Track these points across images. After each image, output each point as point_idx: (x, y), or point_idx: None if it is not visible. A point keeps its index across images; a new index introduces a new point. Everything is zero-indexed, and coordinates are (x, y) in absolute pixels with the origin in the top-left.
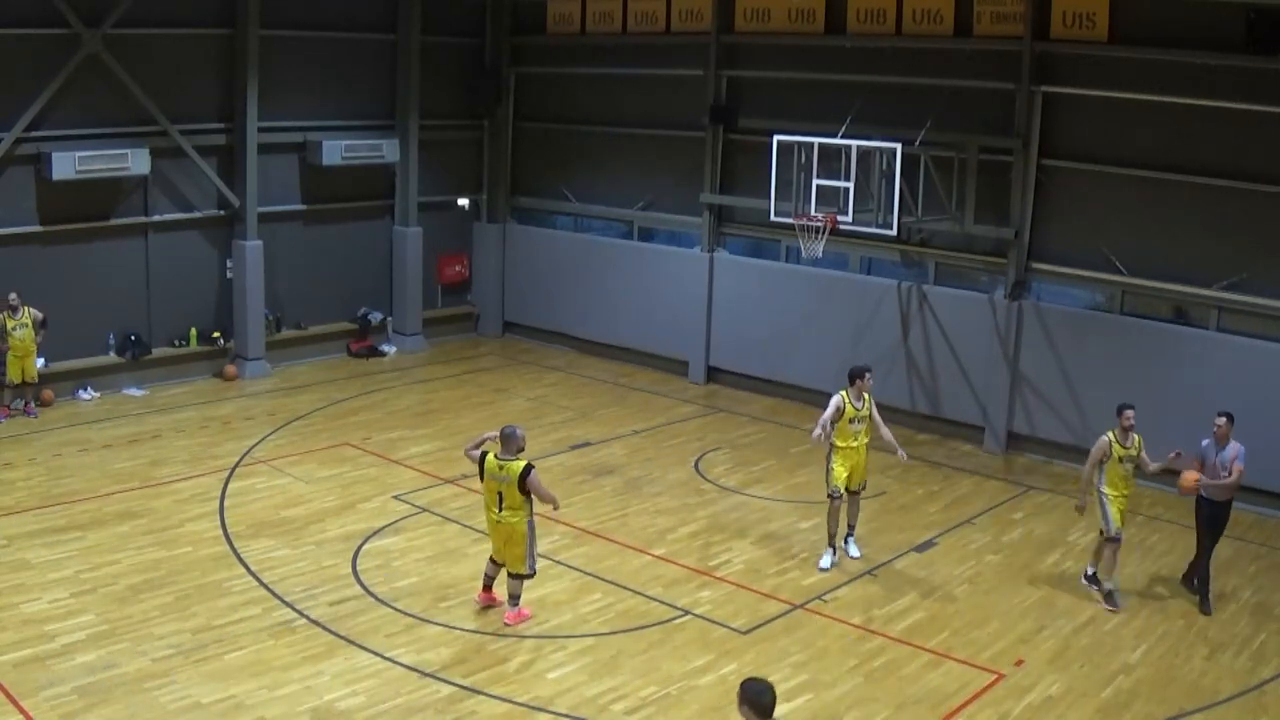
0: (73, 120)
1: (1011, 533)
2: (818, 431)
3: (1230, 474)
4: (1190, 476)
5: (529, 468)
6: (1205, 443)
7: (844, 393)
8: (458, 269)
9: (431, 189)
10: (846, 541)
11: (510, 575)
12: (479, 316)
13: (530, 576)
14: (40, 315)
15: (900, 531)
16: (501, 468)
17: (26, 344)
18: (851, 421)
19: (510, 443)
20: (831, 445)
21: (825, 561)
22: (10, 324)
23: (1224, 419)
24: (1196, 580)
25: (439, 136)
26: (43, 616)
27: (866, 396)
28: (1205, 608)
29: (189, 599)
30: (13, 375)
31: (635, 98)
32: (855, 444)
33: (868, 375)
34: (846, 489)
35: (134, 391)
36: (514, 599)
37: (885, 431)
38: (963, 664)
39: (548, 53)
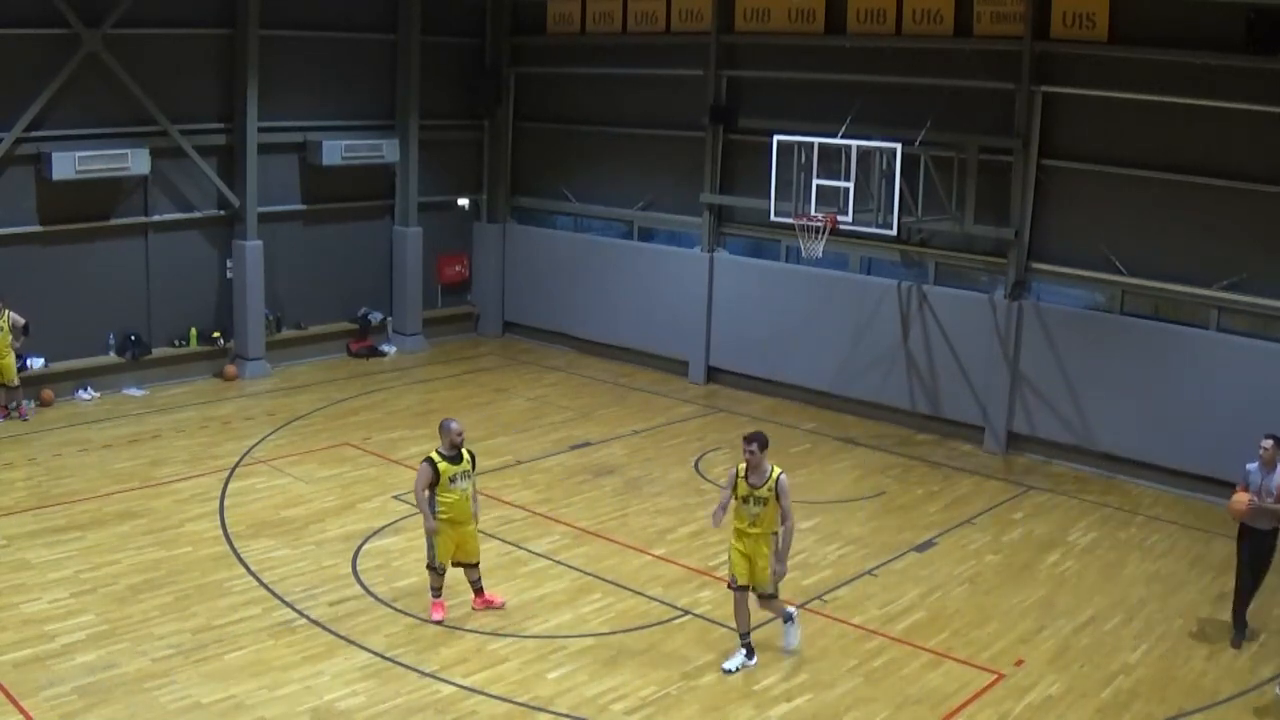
0: (73, 120)
1: (1011, 533)
2: (716, 511)
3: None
4: (1242, 499)
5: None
6: (1251, 466)
7: (740, 464)
8: (458, 269)
9: (431, 189)
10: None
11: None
12: (479, 316)
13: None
14: (22, 321)
15: (900, 531)
16: None
17: (1, 346)
18: (745, 501)
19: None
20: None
21: (731, 664)
22: None
23: (1270, 441)
24: (1233, 615)
25: (439, 136)
26: (43, 616)
27: (773, 473)
28: (1236, 640)
29: (189, 599)
30: None
31: (635, 98)
32: (745, 528)
33: (749, 446)
34: (752, 588)
35: (134, 391)
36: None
37: (788, 525)
38: (963, 664)
39: (548, 53)
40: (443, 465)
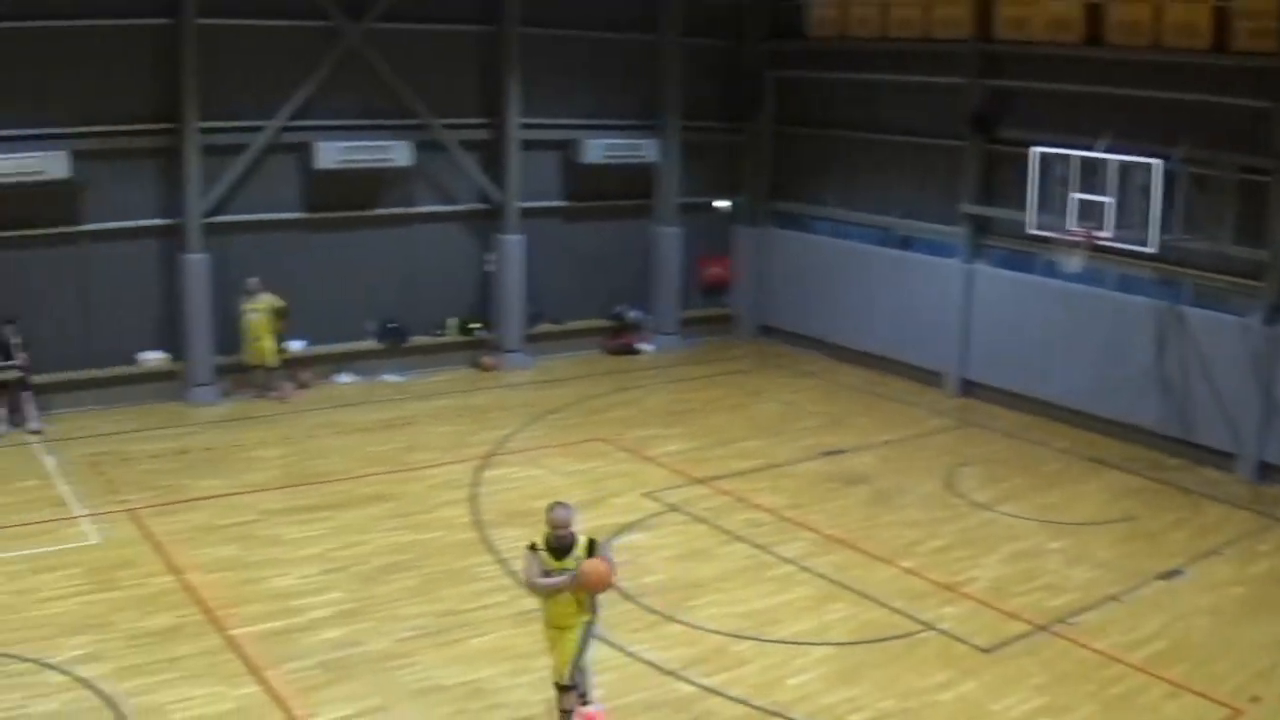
0: (337, 111)
1: (1258, 565)
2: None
3: None
4: None
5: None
6: None
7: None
8: (716, 271)
9: (691, 190)
10: None
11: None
12: (735, 319)
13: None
14: (281, 304)
15: (1146, 558)
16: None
17: (257, 328)
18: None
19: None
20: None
21: None
22: (243, 307)
23: None
24: None
25: (699, 138)
26: (291, 591)
27: (581, 544)
28: None
29: (436, 583)
30: (248, 358)
31: (895, 104)
32: (555, 616)
33: (560, 515)
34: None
35: (391, 378)
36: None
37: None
38: (1199, 696)
39: (808, 56)
40: (544, 555)
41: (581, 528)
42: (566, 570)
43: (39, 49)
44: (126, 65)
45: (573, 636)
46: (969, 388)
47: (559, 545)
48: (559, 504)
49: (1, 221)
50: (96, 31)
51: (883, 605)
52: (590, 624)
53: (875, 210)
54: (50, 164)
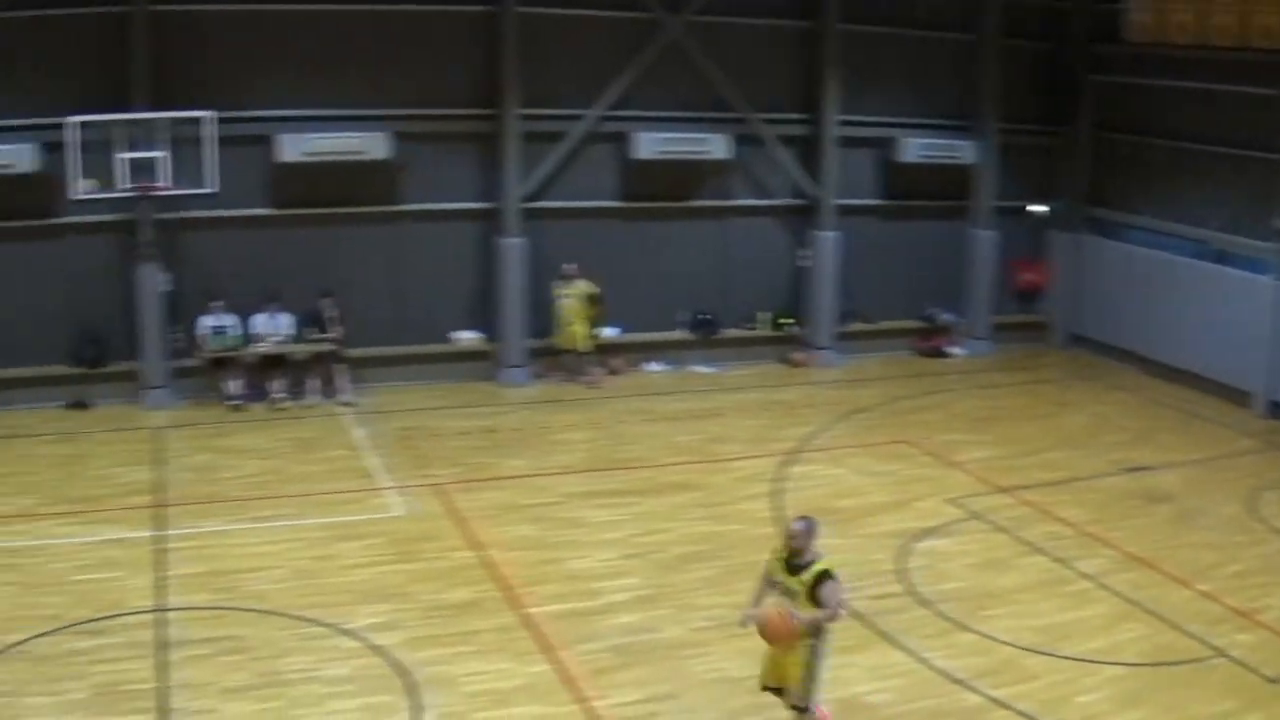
0: (655, 102)
1: None
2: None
3: None
4: None
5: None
6: None
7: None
8: (1032, 276)
9: (1006, 193)
10: None
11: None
12: (1047, 326)
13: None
14: (595, 290)
15: None
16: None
17: (570, 313)
18: (772, 584)
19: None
20: None
21: None
22: (556, 291)
23: None
24: None
25: (1015, 141)
26: (590, 574)
27: (813, 570)
28: None
29: (735, 575)
30: (560, 342)
31: (1211, 113)
32: None
33: (795, 527)
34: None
35: (701, 369)
36: None
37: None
38: None
39: (1126, 61)
40: (771, 564)
41: (888, 528)
42: (790, 587)
43: (364, 31)
44: (450, 50)
45: (796, 659)
46: (1278, 410)
47: (790, 560)
48: (800, 517)
49: (323, 199)
50: (422, 16)
51: (1176, 628)
52: (815, 647)
53: (1190, 222)
54: (371, 144)
